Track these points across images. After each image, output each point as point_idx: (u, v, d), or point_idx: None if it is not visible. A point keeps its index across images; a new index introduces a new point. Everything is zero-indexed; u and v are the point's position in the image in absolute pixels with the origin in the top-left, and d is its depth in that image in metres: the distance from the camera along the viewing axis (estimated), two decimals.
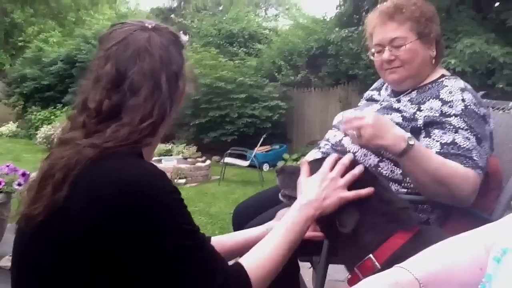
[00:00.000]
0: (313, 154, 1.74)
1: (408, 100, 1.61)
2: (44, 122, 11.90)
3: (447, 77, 1.62)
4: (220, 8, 19.21)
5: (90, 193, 0.89)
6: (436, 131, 1.47)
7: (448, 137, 1.45)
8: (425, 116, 1.51)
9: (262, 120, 9.42)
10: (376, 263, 1.08)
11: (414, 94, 1.63)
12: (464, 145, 1.42)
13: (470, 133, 1.44)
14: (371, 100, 1.85)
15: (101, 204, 0.88)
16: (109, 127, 0.96)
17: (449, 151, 1.42)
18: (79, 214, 0.89)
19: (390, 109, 1.62)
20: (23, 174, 3.02)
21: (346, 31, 7.89)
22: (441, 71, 1.67)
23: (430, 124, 1.50)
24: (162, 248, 0.89)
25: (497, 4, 7.36)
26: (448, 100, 1.51)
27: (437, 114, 1.50)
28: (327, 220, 1.17)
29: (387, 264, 0.99)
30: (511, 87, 5.98)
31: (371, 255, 1.10)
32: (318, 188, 1.16)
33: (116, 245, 0.89)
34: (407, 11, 1.58)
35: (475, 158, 1.42)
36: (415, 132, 1.48)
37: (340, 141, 1.65)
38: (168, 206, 0.92)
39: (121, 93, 0.98)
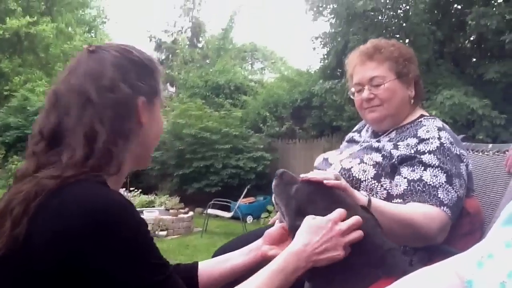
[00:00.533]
0: None
1: (388, 140, 1.62)
2: None
3: (425, 117, 1.64)
4: (207, 61, 19.60)
5: (55, 225, 0.85)
6: (405, 168, 1.49)
7: (415, 174, 1.46)
8: (399, 155, 1.52)
9: (246, 171, 9.38)
10: None
11: (393, 134, 1.64)
12: (431, 183, 1.43)
13: (439, 171, 1.45)
14: (352, 141, 1.86)
15: (67, 237, 0.84)
16: (61, 154, 0.93)
17: (415, 187, 1.44)
18: (44, 247, 0.85)
19: (370, 149, 1.62)
20: None
21: (330, 83, 8.05)
22: (420, 111, 1.68)
23: (403, 161, 1.51)
24: (130, 283, 0.86)
25: (474, 59, 7.61)
26: (425, 138, 1.52)
27: (412, 152, 1.51)
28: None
29: None
30: (490, 138, 6.07)
31: None
32: (319, 238, 1.04)
33: (84, 278, 0.85)
34: (386, 51, 1.62)
35: (439, 195, 1.41)
36: (393, 170, 1.52)
37: None
38: (135, 240, 0.88)
39: (56, 113, 0.97)
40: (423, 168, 1.46)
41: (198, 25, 21.75)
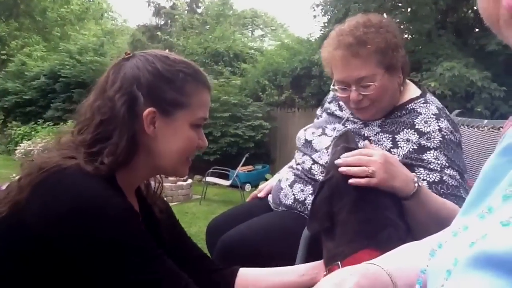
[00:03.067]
0: (286, 175, 1.73)
1: (378, 126, 1.54)
2: (24, 138, 11.72)
3: (416, 101, 1.53)
4: (207, 27, 19.35)
5: (43, 208, 0.92)
6: (421, 169, 1.41)
7: (435, 176, 1.40)
8: (403, 154, 1.44)
9: (245, 139, 9.40)
10: None
11: (383, 119, 1.54)
12: (452, 183, 1.39)
13: (453, 170, 1.41)
14: (333, 115, 1.75)
15: (52, 221, 0.91)
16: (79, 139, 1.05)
17: (438, 191, 1.37)
18: (34, 218, 0.92)
19: (357, 135, 1.53)
20: None
21: None
22: (409, 92, 1.57)
23: (412, 162, 1.43)
24: (116, 268, 0.92)
25: (476, 30, 7.53)
26: (425, 132, 1.45)
27: (416, 147, 1.44)
28: (323, 209, 1.21)
29: None
30: (489, 111, 6.08)
31: (339, 262, 1.13)
32: None
33: (69, 261, 0.92)
34: (372, 44, 1.42)
35: (463, 196, 1.37)
36: None
37: (309, 169, 1.63)
38: (119, 225, 0.93)
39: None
40: (439, 169, 1.40)
41: None
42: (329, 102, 1.81)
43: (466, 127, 1.83)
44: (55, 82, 12.82)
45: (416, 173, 1.37)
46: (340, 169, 1.21)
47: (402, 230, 1.23)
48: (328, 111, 1.79)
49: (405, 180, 1.24)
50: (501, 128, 1.70)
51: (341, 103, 1.71)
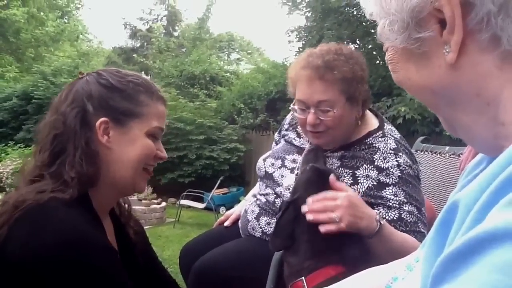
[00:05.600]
0: (251, 206, 1.75)
1: (338, 159, 1.55)
2: None
3: (374, 135, 1.54)
4: (183, 50, 19.44)
5: (24, 245, 0.92)
6: (380, 208, 1.43)
7: (394, 214, 1.41)
8: (363, 191, 1.46)
9: (220, 162, 9.41)
10: (305, 286, 1.17)
11: (342, 153, 1.56)
12: (410, 220, 1.41)
13: (411, 206, 1.42)
14: (291, 144, 1.75)
15: (32, 254, 0.91)
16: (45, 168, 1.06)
17: (397, 228, 1.38)
18: (14, 257, 0.92)
19: None
20: None
21: None
22: (367, 124, 1.58)
23: (371, 199, 1.44)
24: None
25: None
26: (384, 168, 1.46)
27: (375, 183, 1.45)
28: (287, 229, 1.25)
29: None
30: None
31: (303, 278, 1.17)
32: None
33: None
34: (339, 72, 1.43)
35: (422, 230, 1.41)
36: None
37: (273, 202, 1.65)
38: (99, 268, 0.95)
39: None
40: (398, 206, 1.42)
41: (174, 14, 21.52)
42: (287, 130, 1.82)
43: (429, 153, 1.90)
44: (27, 103, 12.60)
45: (375, 211, 1.38)
46: (308, 217, 1.23)
47: (364, 247, 1.28)
48: (287, 138, 1.80)
49: (369, 219, 1.27)
50: (461, 155, 1.77)
51: (299, 130, 1.72)
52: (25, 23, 18.86)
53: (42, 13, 20.35)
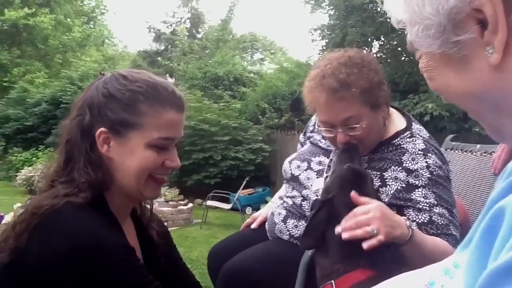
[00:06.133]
0: (277, 209, 1.74)
1: (365, 161, 1.52)
2: (25, 164, 11.73)
3: (402, 136, 1.51)
4: (207, 51, 19.55)
5: (42, 248, 0.94)
6: (410, 210, 1.39)
7: (424, 216, 1.38)
8: (391, 194, 1.43)
9: (245, 162, 9.42)
10: None
11: (369, 155, 1.53)
12: (441, 222, 1.38)
13: (442, 208, 1.39)
14: (317, 146, 1.73)
15: (51, 260, 0.93)
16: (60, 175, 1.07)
17: (428, 232, 1.36)
18: (34, 262, 0.94)
19: None
20: None
21: None
22: (394, 125, 1.55)
23: (400, 202, 1.41)
24: None
25: None
26: (413, 169, 1.42)
27: (404, 185, 1.42)
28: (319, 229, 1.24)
29: None
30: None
31: (332, 281, 1.17)
32: None
33: None
34: (356, 86, 1.38)
35: (454, 233, 1.38)
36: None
37: (300, 205, 1.65)
38: (115, 264, 0.95)
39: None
40: (428, 208, 1.38)
41: (197, 16, 21.65)
42: (312, 131, 1.80)
43: (460, 151, 1.86)
44: (56, 108, 12.91)
45: (405, 214, 1.37)
46: (344, 236, 1.19)
47: (396, 251, 1.26)
48: (312, 140, 1.77)
49: (401, 227, 1.24)
50: (493, 153, 1.72)
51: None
52: (52, 30, 19.30)
53: (68, 20, 20.78)
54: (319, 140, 1.72)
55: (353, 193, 1.27)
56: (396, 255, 1.27)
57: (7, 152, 13.54)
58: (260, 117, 10.21)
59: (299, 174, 1.67)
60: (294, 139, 10.15)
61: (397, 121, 1.55)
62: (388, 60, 8.20)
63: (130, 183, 1.08)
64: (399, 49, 8.01)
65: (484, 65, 0.54)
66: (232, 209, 7.80)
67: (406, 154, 1.45)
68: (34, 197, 1.07)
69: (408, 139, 1.48)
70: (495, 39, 0.52)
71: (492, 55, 0.52)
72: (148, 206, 1.27)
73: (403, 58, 7.90)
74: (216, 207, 7.97)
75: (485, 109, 0.58)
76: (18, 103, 14.42)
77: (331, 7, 8.91)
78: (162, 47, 21.60)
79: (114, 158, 1.06)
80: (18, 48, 19.34)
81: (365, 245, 1.17)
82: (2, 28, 18.15)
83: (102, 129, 1.05)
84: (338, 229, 1.22)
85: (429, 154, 1.44)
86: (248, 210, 8.53)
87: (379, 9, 8.62)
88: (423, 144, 1.46)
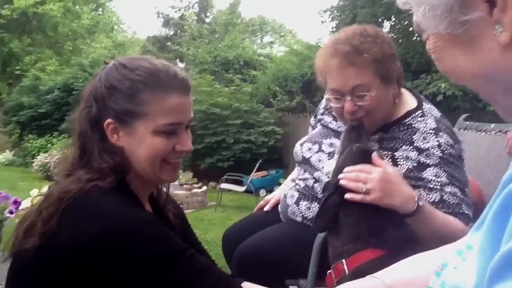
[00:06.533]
0: (290, 191, 1.76)
1: (376, 142, 1.52)
2: (40, 150, 11.88)
3: (413, 115, 1.50)
4: (216, 36, 19.48)
5: (75, 231, 0.96)
6: (421, 190, 1.39)
7: (435, 195, 1.39)
8: (403, 173, 1.42)
9: (258, 145, 9.45)
10: (345, 268, 1.19)
11: (380, 135, 1.52)
12: (453, 201, 1.38)
13: (453, 187, 1.39)
14: (327, 128, 1.73)
15: (84, 241, 0.95)
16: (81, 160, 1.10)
17: (440, 210, 1.36)
18: (66, 246, 0.96)
19: None
20: (15, 202, 3.00)
21: None
22: (405, 104, 1.54)
23: (412, 181, 1.41)
24: (159, 277, 0.95)
25: None
26: (424, 148, 1.43)
27: (415, 165, 1.42)
28: (332, 212, 1.27)
29: (354, 272, 1.14)
30: None
31: (343, 260, 1.20)
32: None
33: (104, 276, 0.96)
34: (369, 54, 1.39)
35: (466, 212, 1.38)
36: None
37: (312, 187, 1.66)
38: (150, 237, 0.98)
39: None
40: (439, 187, 1.39)
41: (205, 0, 21.53)
42: (322, 114, 1.79)
43: (474, 131, 1.85)
44: (68, 95, 12.99)
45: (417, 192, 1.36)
46: (341, 182, 1.27)
47: (407, 231, 1.29)
48: (323, 122, 1.77)
49: (405, 198, 1.26)
50: (508, 132, 1.72)
51: (334, 113, 1.68)
52: (61, 17, 19.28)
53: (77, 7, 20.77)
54: (330, 122, 1.72)
55: (375, 154, 1.31)
56: (407, 234, 1.30)
57: (23, 139, 13.71)
58: (272, 100, 10.21)
59: (310, 157, 1.68)
60: (306, 121, 10.14)
61: (408, 101, 1.55)
62: (400, 41, 8.12)
63: (145, 169, 1.09)
64: (410, 29, 7.92)
65: (493, 45, 0.52)
66: (246, 191, 7.86)
67: (417, 133, 1.45)
68: (54, 184, 1.10)
69: (419, 118, 1.48)
70: (505, 17, 0.50)
71: (502, 34, 0.51)
72: (164, 189, 1.29)
73: (414, 38, 7.82)
74: (230, 190, 8.05)
75: (496, 90, 0.56)
76: (31, 91, 14.52)
77: None
78: (171, 32, 21.58)
79: (124, 146, 1.08)
80: (28, 36, 19.41)
81: (348, 196, 1.24)
82: (12, 17, 18.21)
83: (109, 120, 1.07)
84: (341, 175, 1.28)
85: (441, 133, 1.43)
86: (262, 192, 8.59)
87: (397, 5, 8.48)
88: (435, 123, 1.46)
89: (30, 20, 19.19)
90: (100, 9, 23.37)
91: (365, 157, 1.33)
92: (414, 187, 1.39)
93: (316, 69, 1.53)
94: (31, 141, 13.07)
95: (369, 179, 1.24)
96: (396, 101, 1.50)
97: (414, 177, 1.42)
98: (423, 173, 1.41)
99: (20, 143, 13.82)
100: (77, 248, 0.95)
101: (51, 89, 13.88)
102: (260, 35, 23.59)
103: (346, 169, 1.29)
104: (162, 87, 1.07)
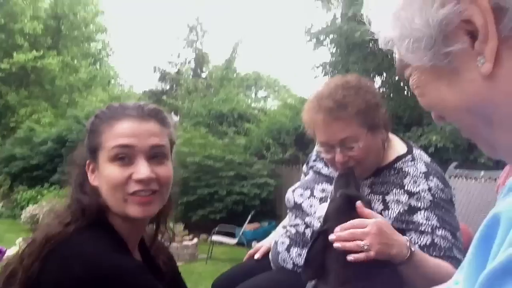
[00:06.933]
0: (281, 238, 1.74)
1: (368, 186, 1.52)
2: (30, 202, 11.72)
3: (403, 159, 1.51)
4: (211, 90, 19.82)
5: (58, 275, 0.95)
6: (412, 233, 1.39)
7: (426, 239, 1.38)
8: (394, 217, 1.42)
9: (250, 197, 9.38)
10: None
11: (372, 179, 1.53)
12: (444, 245, 1.37)
13: (444, 230, 1.38)
14: (320, 174, 1.73)
15: (69, 286, 0.94)
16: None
17: (431, 254, 1.35)
18: None
19: None
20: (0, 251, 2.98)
21: None
22: (394, 150, 1.55)
23: (403, 225, 1.41)
24: None
25: None
26: (415, 192, 1.42)
27: (406, 208, 1.42)
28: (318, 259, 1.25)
29: None
30: (492, 161, 6.10)
31: None
32: None
33: None
34: (352, 107, 1.40)
35: (457, 256, 1.37)
36: None
37: (303, 233, 1.64)
38: (136, 284, 0.97)
39: None
40: (430, 230, 1.37)
41: (202, 56, 22.04)
42: (314, 160, 1.80)
43: (464, 178, 1.86)
44: (62, 146, 12.98)
45: (407, 237, 1.35)
46: (335, 245, 1.22)
47: (395, 274, 1.26)
48: (315, 168, 1.77)
49: (400, 246, 1.24)
50: (497, 179, 1.71)
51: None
52: (60, 71, 19.63)
53: (75, 61, 21.20)
54: (322, 168, 1.73)
55: (359, 203, 1.28)
56: (395, 278, 1.27)
57: (12, 191, 13.55)
58: (265, 152, 10.24)
59: (302, 202, 1.67)
60: (299, 173, 10.02)
61: (398, 146, 1.57)
62: (391, 95, 8.29)
63: (113, 205, 1.07)
64: (401, 84, 8.12)
65: (476, 76, 0.53)
66: (238, 244, 7.73)
67: (407, 177, 1.45)
68: (38, 229, 1.09)
69: (409, 163, 1.49)
70: (486, 48, 0.51)
71: (484, 65, 0.52)
72: (163, 240, 1.28)
73: (405, 92, 8.00)
74: (222, 242, 7.90)
75: (479, 123, 0.57)
76: (25, 142, 14.51)
77: (333, 45, 9.09)
78: (168, 87, 21.90)
79: (98, 185, 1.10)
80: (25, 89, 19.67)
81: (351, 257, 1.19)
82: (11, 71, 18.51)
83: (88, 161, 1.11)
84: (332, 236, 1.23)
85: (431, 177, 1.44)
86: (254, 244, 8.40)
87: (380, 46, 8.77)
88: (425, 167, 1.47)
89: (29, 73, 19.51)
90: (98, 64, 23.85)
91: (349, 203, 1.31)
92: (406, 230, 1.38)
93: (304, 123, 1.55)
94: (20, 192, 12.91)
95: (365, 233, 1.21)
96: (385, 145, 1.52)
97: (405, 220, 1.41)
98: (414, 216, 1.40)
99: (10, 195, 13.63)
100: None
101: (45, 140, 13.89)
102: (254, 90, 24.04)
103: (337, 229, 1.25)
104: (114, 116, 1.10)
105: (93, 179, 1.09)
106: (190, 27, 21.67)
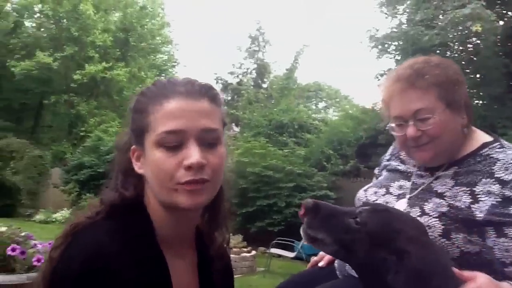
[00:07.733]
0: None
1: (451, 177, 1.37)
2: None
3: (491, 146, 1.36)
4: (272, 100, 19.86)
5: (58, 263, 0.94)
6: (510, 227, 1.23)
7: None
8: (487, 210, 1.26)
9: None
10: None
11: (455, 169, 1.38)
12: None
13: None
14: (395, 171, 1.60)
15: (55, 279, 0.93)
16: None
17: None
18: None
19: (429, 192, 1.37)
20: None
21: None
22: (480, 138, 1.41)
23: (498, 218, 1.25)
24: None
25: None
26: (508, 180, 1.26)
27: (500, 200, 1.25)
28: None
29: None
30: None
31: None
32: None
33: None
34: (431, 76, 1.33)
35: None
36: (468, 225, 1.27)
37: None
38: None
39: None
40: None
41: (263, 66, 22.21)
42: (388, 160, 1.68)
43: None
44: None
45: (506, 233, 1.21)
46: None
47: None
48: (389, 167, 1.65)
49: None
50: None
51: (402, 157, 1.58)
52: (127, 82, 20.49)
53: (142, 73, 22.04)
54: (398, 165, 1.60)
55: (455, 269, 1.11)
56: None
57: (80, 198, 14.18)
58: (325, 163, 10.05)
59: (376, 200, 1.53)
60: (360, 186, 9.76)
61: (482, 136, 1.42)
62: None
63: (160, 193, 0.98)
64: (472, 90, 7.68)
65: None
66: (296, 257, 7.55)
67: (497, 164, 1.30)
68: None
69: (498, 149, 1.33)
70: None
71: None
72: (221, 240, 1.15)
73: (475, 101, 7.55)
74: (280, 255, 7.77)
75: None
76: (93, 151, 15.19)
77: (398, 52, 8.78)
78: (229, 97, 22.22)
79: (144, 172, 1.01)
80: (95, 99, 20.66)
81: None
82: (83, 82, 19.54)
83: (133, 147, 1.01)
84: None
85: None
86: (313, 259, 8.23)
87: (448, 54, 8.37)
88: None
89: (98, 84, 20.50)
90: (163, 75, 24.67)
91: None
92: (503, 225, 1.22)
93: (381, 102, 1.49)
94: (87, 200, 13.47)
95: None
96: (465, 131, 1.37)
97: (500, 213, 1.24)
98: (510, 208, 1.23)
99: (78, 202, 14.28)
100: (53, 283, 0.93)
101: (111, 149, 14.46)
102: (315, 101, 23.85)
103: None
104: (163, 94, 0.98)
105: (138, 167, 1.00)
106: (252, 38, 21.93)
